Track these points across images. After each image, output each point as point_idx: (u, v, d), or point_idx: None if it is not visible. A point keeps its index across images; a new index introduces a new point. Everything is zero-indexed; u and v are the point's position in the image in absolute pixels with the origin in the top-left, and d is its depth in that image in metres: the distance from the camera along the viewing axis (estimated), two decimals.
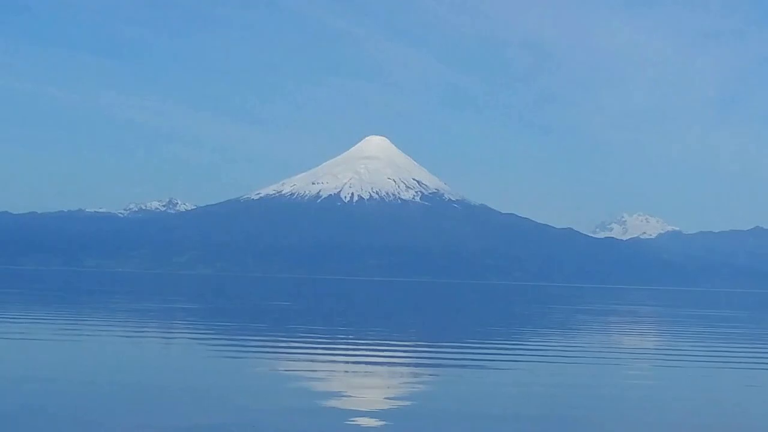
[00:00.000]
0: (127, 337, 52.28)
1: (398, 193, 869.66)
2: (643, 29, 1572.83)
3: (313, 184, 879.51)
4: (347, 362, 41.21)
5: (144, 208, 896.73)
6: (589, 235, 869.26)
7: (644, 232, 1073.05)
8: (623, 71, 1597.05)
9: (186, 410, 26.11)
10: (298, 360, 40.68)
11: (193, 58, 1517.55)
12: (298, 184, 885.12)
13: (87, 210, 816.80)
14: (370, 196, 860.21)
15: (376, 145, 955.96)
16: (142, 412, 25.42)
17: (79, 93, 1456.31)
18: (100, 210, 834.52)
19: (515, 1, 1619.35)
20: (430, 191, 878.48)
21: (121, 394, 28.57)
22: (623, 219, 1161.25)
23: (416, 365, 41.83)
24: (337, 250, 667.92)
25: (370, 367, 39.06)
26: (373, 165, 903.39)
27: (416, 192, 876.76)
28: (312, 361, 40.52)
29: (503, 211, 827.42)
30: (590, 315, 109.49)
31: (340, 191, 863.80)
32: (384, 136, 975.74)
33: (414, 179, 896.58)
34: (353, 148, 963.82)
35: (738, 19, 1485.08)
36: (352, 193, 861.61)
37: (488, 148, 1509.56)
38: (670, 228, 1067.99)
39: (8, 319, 62.91)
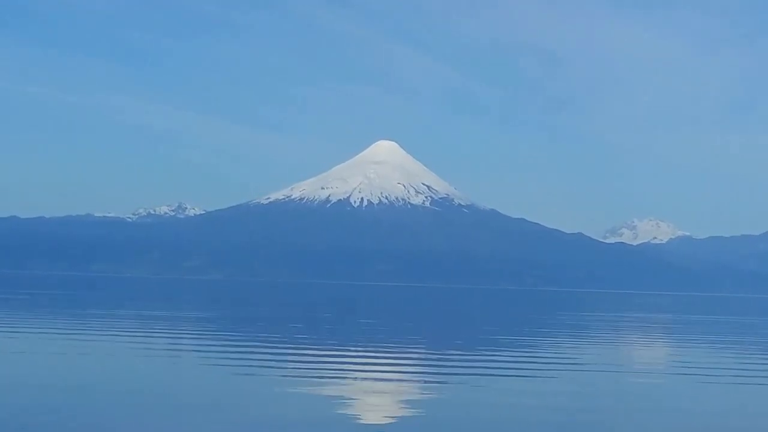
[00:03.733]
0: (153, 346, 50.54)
1: (408, 198, 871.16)
2: (654, 34, 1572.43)
3: (323, 188, 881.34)
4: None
5: (153, 212, 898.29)
6: (600, 240, 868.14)
7: (655, 237, 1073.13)
8: (633, 76, 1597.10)
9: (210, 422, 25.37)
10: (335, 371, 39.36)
11: (203, 63, 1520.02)
12: (308, 188, 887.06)
13: (95, 214, 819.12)
14: (380, 200, 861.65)
15: (385, 149, 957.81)
16: (164, 424, 25.03)
17: (87, 97, 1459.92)
18: (109, 215, 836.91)
19: (525, 7, 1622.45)
20: (439, 196, 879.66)
21: (134, 404, 28.19)
22: (633, 224, 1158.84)
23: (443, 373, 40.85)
24: (347, 255, 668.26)
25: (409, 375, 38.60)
26: (382, 170, 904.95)
27: (426, 197, 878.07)
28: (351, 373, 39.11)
29: (513, 216, 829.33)
30: (614, 322, 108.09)
31: (349, 196, 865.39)
32: (394, 140, 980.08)
33: (424, 184, 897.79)
34: (363, 152, 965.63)
35: (749, 23, 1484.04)
36: (362, 198, 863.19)
37: (498, 153, 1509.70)
38: (680, 233, 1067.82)
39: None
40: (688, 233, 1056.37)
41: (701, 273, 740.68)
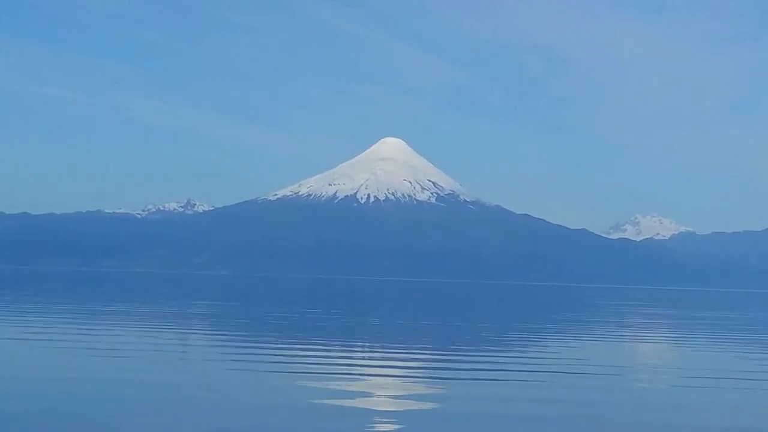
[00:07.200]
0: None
1: (414, 194, 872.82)
2: (657, 33, 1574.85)
3: (330, 185, 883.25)
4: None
5: (162, 209, 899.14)
6: (603, 235, 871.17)
7: (658, 233, 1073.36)
8: (636, 74, 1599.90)
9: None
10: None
11: (211, 63, 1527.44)
12: (315, 185, 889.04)
13: (105, 211, 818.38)
14: (386, 197, 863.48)
15: (391, 146, 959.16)
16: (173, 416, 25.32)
17: (98, 96, 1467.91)
18: (119, 211, 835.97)
19: (529, 6, 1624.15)
20: (445, 192, 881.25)
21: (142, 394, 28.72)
22: (637, 220, 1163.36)
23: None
24: (353, 251, 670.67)
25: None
26: (388, 166, 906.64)
27: (432, 193, 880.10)
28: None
29: (517, 212, 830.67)
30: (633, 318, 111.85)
31: (356, 192, 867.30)
32: (400, 137, 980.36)
33: (429, 180, 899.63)
34: (369, 149, 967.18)
35: (751, 22, 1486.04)
36: (368, 194, 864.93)
37: (502, 149, 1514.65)
38: (683, 229, 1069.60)
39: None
40: (690, 229, 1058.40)
41: (704, 269, 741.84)
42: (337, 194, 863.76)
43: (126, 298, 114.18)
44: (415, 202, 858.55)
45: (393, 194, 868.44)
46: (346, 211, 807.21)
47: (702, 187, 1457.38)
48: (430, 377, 36.24)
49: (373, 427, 24.05)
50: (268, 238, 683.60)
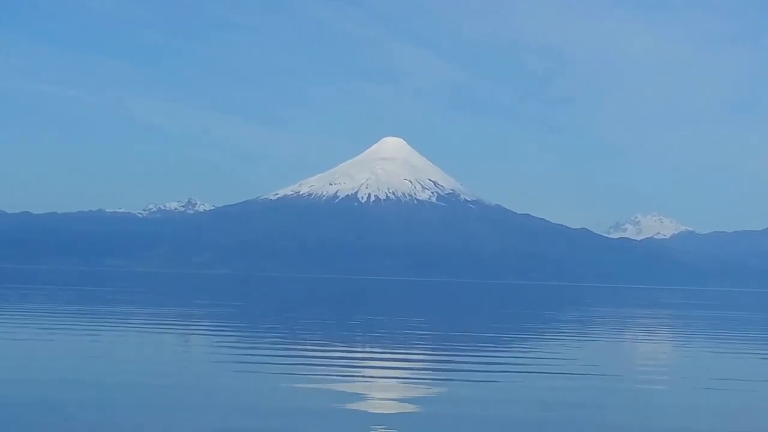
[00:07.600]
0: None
1: (414, 194, 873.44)
2: (657, 33, 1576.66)
3: (331, 184, 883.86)
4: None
5: (163, 208, 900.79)
6: (604, 235, 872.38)
7: (658, 233, 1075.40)
8: (636, 73, 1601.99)
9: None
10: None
11: (212, 63, 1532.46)
12: (316, 184, 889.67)
13: (107, 210, 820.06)
14: (387, 196, 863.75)
15: (392, 146, 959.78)
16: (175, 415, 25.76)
17: (99, 95, 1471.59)
18: (120, 210, 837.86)
19: (530, 6, 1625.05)
20: (446, 192, 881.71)
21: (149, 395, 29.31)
22: (637, 219, 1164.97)
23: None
24: (354, 251, 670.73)
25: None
26: (389, 166, 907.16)
27: (432, 192, 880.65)
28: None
29: (518, 212, 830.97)
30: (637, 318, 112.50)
31: (357, 192, 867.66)
32: (400, 137, 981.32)
33: (430, 180, 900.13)
34: (370, 149, 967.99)
35: (751, 22, 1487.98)
36: (369, 194, 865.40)
37: (503, 149, 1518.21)
38: (683, 228, 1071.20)
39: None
40: (691, 228, 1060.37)
41: (704, 268, 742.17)
42: (338, 194, 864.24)
43: (126, 298, 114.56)
44: (415, 201, 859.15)
45: (393, 194, 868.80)
46: (347, 210, 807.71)
47: (702, 187, 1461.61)
48: (430, 378, 36.33)
49: (371, 429, 24.01)
50: (269, 238, 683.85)
